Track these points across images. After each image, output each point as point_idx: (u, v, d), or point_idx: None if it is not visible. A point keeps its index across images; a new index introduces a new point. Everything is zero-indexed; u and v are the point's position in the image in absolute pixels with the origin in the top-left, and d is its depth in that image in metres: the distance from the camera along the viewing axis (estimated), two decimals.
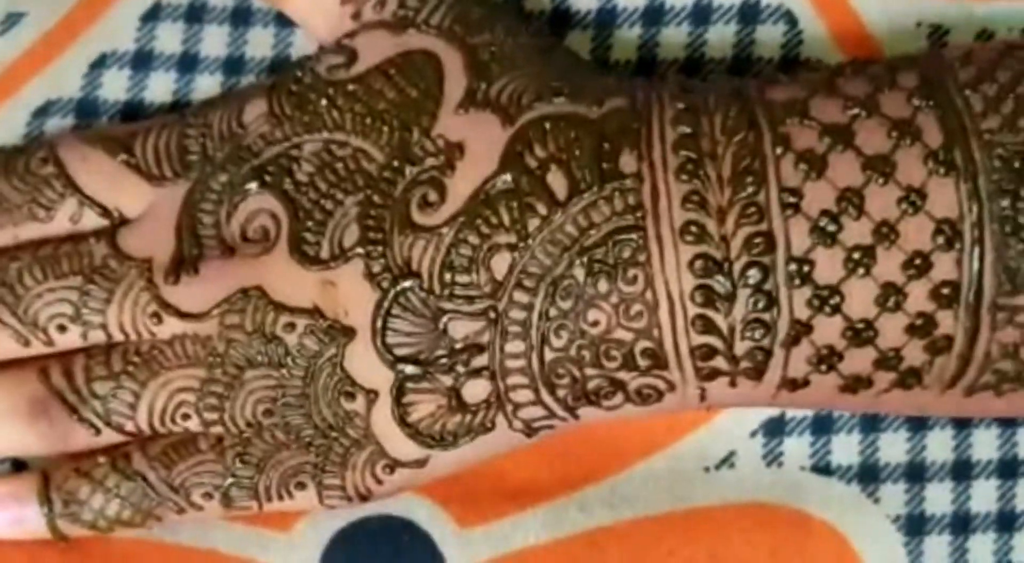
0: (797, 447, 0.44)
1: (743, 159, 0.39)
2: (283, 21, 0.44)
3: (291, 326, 0.40)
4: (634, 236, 0.39)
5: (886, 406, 0.41)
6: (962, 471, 0.44)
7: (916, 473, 0.44)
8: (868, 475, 0.43)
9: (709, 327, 0.39)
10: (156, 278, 0.41)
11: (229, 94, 0.44)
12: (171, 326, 0.41)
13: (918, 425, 0.44)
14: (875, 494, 0.43)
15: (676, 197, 0.39)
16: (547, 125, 0.40)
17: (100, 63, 0.44)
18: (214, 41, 0.44)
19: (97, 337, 0.41)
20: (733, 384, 0.40)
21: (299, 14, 0.43)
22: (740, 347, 0.39)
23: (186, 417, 0.41)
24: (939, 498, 0.44)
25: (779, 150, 0.39)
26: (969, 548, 0.44)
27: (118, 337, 0.41)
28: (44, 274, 0.41)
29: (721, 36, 0.44)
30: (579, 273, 0.39)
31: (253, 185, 0.41)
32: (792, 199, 0.38)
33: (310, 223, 0.41)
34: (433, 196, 0.40)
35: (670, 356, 0.39)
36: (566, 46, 0.44)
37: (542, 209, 0.39)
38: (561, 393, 0.40)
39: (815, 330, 0.39)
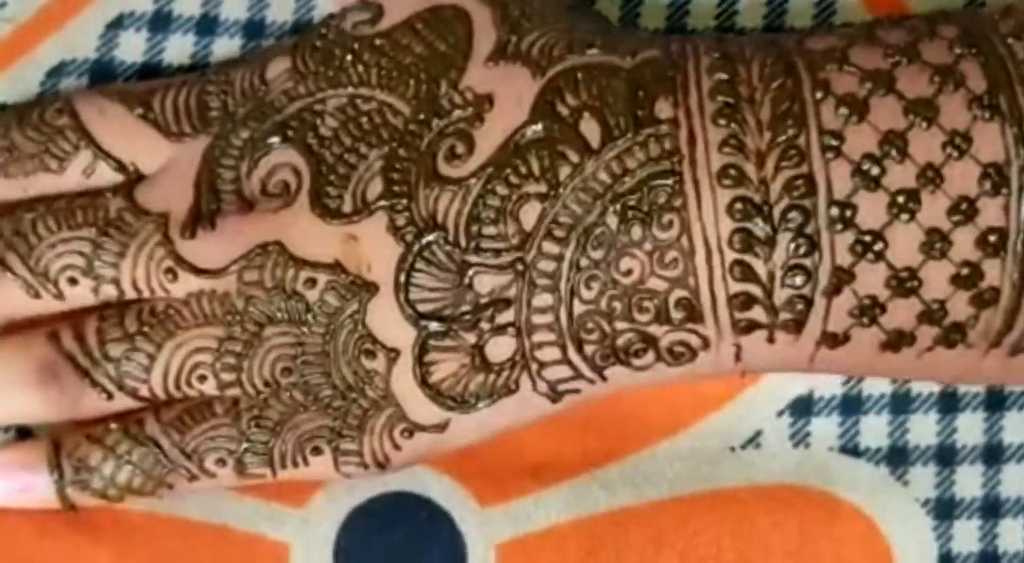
0: (825, 428, 0.43)
1: (782, 103, 0.38)
2: None
3: (312, 281, 0.39)
4: (670, 181, 0.38)
5: (928, 368, 0.40)
6: (993, 454, 0.43)
7: (946, 456, 0.43)
8: (897, 457, 0.43)
9: (748, 274, 0.38)
10: (172, 233, 0.40)
11: (252, 53, 0.43)
12: (186, 283, 0.40)
13: (948, 407, 0.43)
14: (904, 477, 0.43)
15: (713, 141, 0.38)
16: (579, 74, 0.39)
17: (117, 23, 0.43)
18: (234, 3, 0.43)
19: (108, 292, 0.40)
20: (771, 339, 0.38)
21: None
22: (780, 295, 0.38)
23: (202, 379, 0.40)
24: (969, 481, 0.43)
25: (819, 94, 0.38)
26: (999, 533, 0.43)
27: (131, 293, 0.40)
28: (58, 225, 0.40)
29: (752, 4, 0.43)
30: (612, 221, 0.38)
31: (275, 140, 0.40)
32: (834, 142, 0.37)
33: (333, 177, 0.40)
34: (460, 148, 0.39)
35: (706, 306, 0.38)
36: (595, 8, 0.43)
37: (574, 157, 0.38)
38: (589, 350, 0.39)
39: (857, 278, 0.38)
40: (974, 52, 0.38)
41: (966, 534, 0.43)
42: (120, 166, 0.41)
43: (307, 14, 0.43)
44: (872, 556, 0.42)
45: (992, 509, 0.43)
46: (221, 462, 0.40)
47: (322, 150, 0.40)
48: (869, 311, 0.38)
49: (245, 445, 0.40)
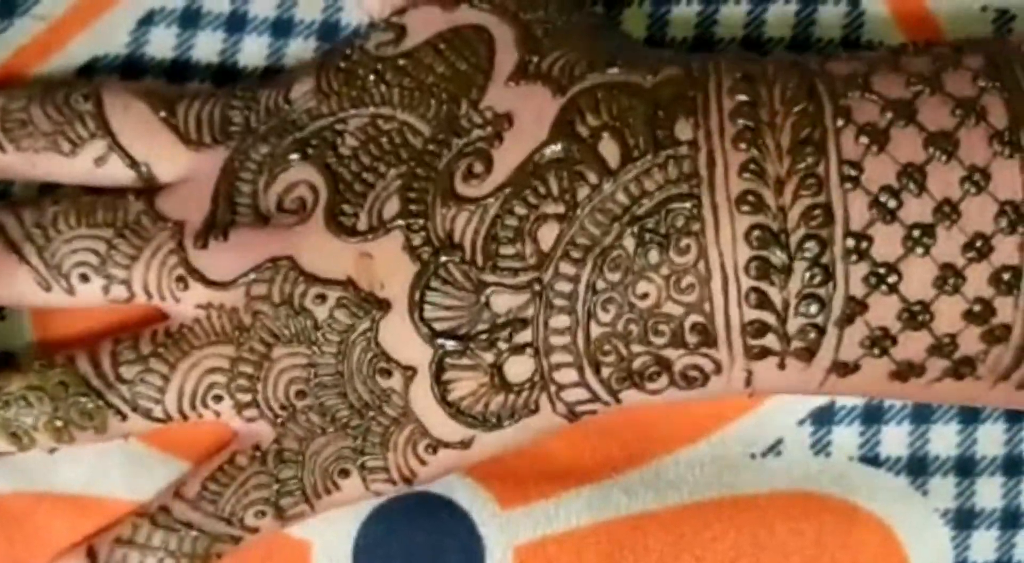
0: (846, 437, 0.43)
1: (803, 129, 0.38)
2: None
3: (321, 298, 0.39)
4: (688, 205, 0.38)
5: (935, 396, 0.40)
6: (1013, 466, 0.43)
7: (967, 467, 0.43)
8: (917, 467, 0.43)
9: (763, 301, 0.38)
10: (186, 242, 0.40)
11: (279, 74, 0.43)
12: (196, 294, 0.40)
13: (969, 418, 0.43)
14: (924, 487, 0.43)
15: (733, 165, 0.38)
16: (600, 94, 0.39)
17: (148, 20, 0.43)
18: (264, 1, 0.43)
19: (118, 293, 0.40)
20: (782, 366, 0.39)
21: None
22: (793, 324, 0.38)
23: (218, 399, 0.40)
24: (989, 492, 0.43)
25: (840, 122, 0.38)
26: (1016, 543, 0.43)
27: (141, 296, 0.40)
28: (78, 221, 0.40)
29: (781, 15, 0.43)
30: (629, 243, 0.38)
31: (295, 156, 0.40)
32: (852, 172, 0.37)
33: (349, 195, 0.40)
34: (479, 167, 0.39)
35: (720, 332, 0.38)
36: (619, 28, 0.43)
37: (593, 178, 0.38)
38: (606, 373, 0.39)
39: (870, 309, 0.38)
40: (998, 86, 0.38)
41: (983, 544, 0.43)
42: (132, 163, 0.41)
43: (335, 14, 0.43)
44: None
45: (1011, 520, 0.43)
46: (260, 514, 0.40)
47: (340, 168, 0.40)
48: (880, 342, 0.38)
49: (276, 487, 0.40)
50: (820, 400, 0.43)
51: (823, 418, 0.43)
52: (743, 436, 0.43)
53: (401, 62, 0.40)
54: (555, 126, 0.39)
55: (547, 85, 0.39)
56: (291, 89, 0.41)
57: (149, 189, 0.41)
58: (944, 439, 0.43)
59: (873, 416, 0.43)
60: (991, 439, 0.43)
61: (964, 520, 0.43)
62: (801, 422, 0.43)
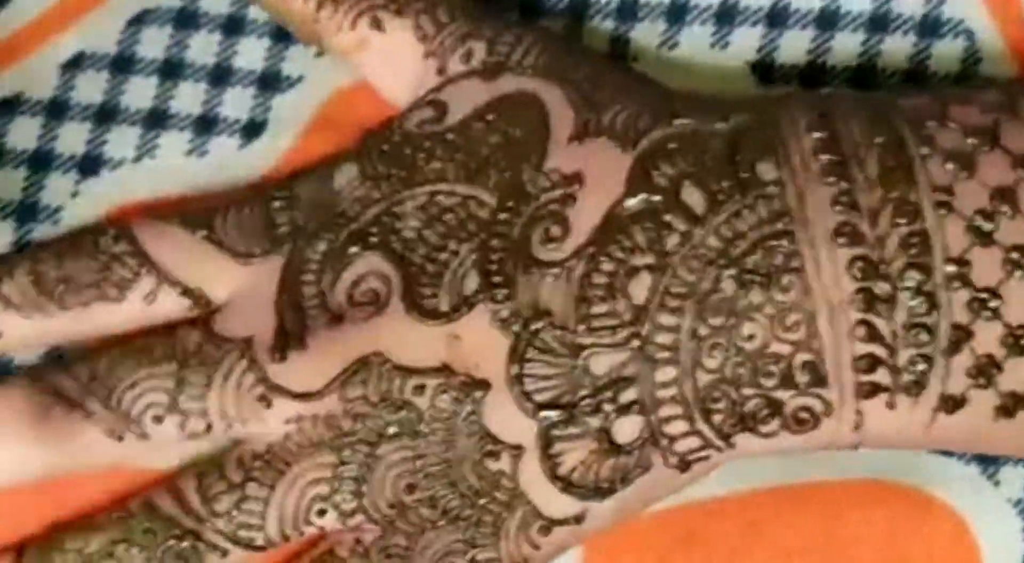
0: None
1: (888, 159, 0.37)
2: None
3: (421, 388, 0.38)
4: (784, 242, 0.37)
5: None
6: None
7: None
8: (989, 455, 0.42)
9: (872, 334, 0.37)
10: (260, 359, 0.38)
11: (312, 166, 0.41)
12: (282, 410, 0.38)
13: None
14: (995, 476, 0.42)
15: (824, 199, 0.37)
16: (671, 144, 0.38)
17: (139, 20, 0.42)
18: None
19: (196, 427, 0.38)
20: (891, 405, 0.37)
21: (370, 69, 0.41)
22: (903, 356, 0.37)
23: (322, 513, 0.38)
24: None
25: (924, 150, 0.37)
26: None
27: (219, 426, 0.38)
28: (137, 363, 0.39)
29: (896, 47, 0.43)
30: (728, 286, 0.37)
31: (355, 249, 0.39)
32: (944, 197, 0.37)
33: (424, 277, 0.38)
34: (556, 230, 0.38)
35: (830, 369, 0.37)
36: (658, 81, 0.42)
37: (681, 225, 0.37)
38: (717, 419, 0.38)
39: (975, 336, 0.37)
40: None
41: None
42: (185, 291, 0.39)
43: None
44: (961, 556, 0.42)
45: None
46: None
47: (408, 252, 0.38)
48: (987, 370, 0.37)
49: None
50: None
51: None
52: None
53: (449, 137, 0.39)
54: (630, 179, 0.38)
55: (612, 140, 0.38)
56: (332, 180, 0.40)
57: (201, 317, 0.39)
58: None
59: None
60: None
61: None
62: None
